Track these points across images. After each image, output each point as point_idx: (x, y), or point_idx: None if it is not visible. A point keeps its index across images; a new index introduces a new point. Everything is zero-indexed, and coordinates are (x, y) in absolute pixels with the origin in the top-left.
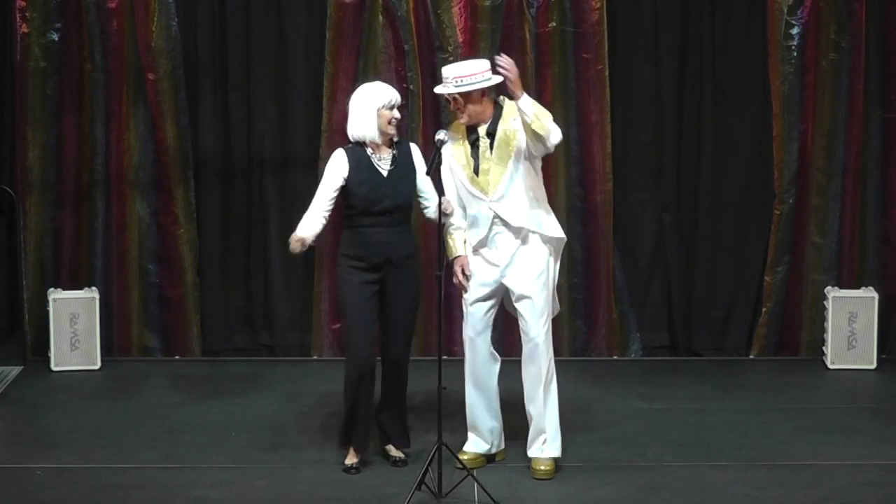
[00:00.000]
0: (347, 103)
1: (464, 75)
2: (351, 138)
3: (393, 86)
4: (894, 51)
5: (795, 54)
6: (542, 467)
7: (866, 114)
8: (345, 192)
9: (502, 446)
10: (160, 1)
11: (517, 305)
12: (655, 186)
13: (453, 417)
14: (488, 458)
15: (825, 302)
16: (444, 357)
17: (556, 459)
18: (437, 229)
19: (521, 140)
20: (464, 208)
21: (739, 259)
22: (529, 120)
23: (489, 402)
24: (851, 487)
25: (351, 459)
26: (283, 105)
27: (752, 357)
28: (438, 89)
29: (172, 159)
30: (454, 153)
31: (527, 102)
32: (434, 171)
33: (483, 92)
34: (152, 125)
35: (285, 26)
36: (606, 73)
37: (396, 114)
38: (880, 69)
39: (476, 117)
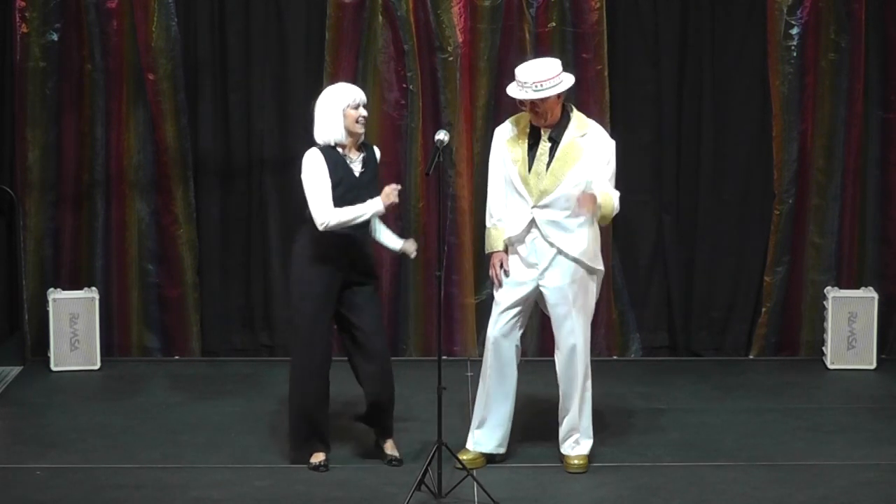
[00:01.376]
0: None
1: (543, 79)
2: (318, 142)
3: (393, 86)
4: (894, 51)
5: (795, 54)
6: (576, 461)
7: (866, 114)
8: None
9: (505, 448)
10: (160, 1)
11: (553, 309)
12: (655, 186)
13: (453, 417)
14: (489, 458)
15: (825, 302)
16: (444, 357)
17: (588, 455)
18: (437, 230)
19: (585, 162)
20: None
21: (739, 259)
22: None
23: (504, 403)
24: (851, 487)
25: (319, 458)
26: (283, 105)
27: (751, 357)
28: (517, 94)
29: (172, 159)
30: (510, 147)
31: (599, 210)
32: (434, 171)
33: (559, 95)
34: (152, 125)
35: (285, 26)
36: (606, 74)
37: (363, 112)
38: (880, 69)
39: (551, 120)
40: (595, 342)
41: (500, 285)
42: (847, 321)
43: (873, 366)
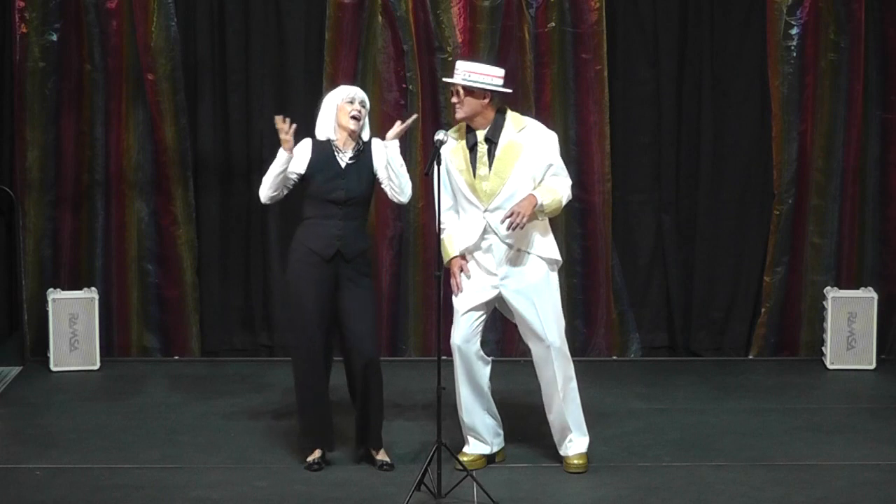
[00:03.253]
0: None
1: (474, 71)
2: (316, 136)
3: (392, 87)
4: (893, 51)
5: (795, 54)
6: (575, 461)
7: (865, 114)
8: (303, 181)
9: (502, 445)
10: (159, 1)
11: (520, 313)
12: (654, 187)
13: (452, 417)
14: (488, 459)
15: (824, 302)
16: (444, 357)
17: (586, 453)
18: (437, 230)
19: (526, 158)
20: (457, 211)
21: (738, 259)
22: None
23: (484, 403)
24: (851, 487)
25: (314, 456)
26: (282, 106)
27: (751, 357)
28: (447, 78)
29: (171, 160)
30: (452, 155)
31: (544, 209)
32: (433, 171)
33: (486, 95)
34: (151, 125)
35: (285, 27)
36: (605, 74)
37: (357, 107)
38: (879, 69)
39: (473, 118)
40: (595, 342)
41: (461, 290)
42: (846, 321)
43: (873, 366)
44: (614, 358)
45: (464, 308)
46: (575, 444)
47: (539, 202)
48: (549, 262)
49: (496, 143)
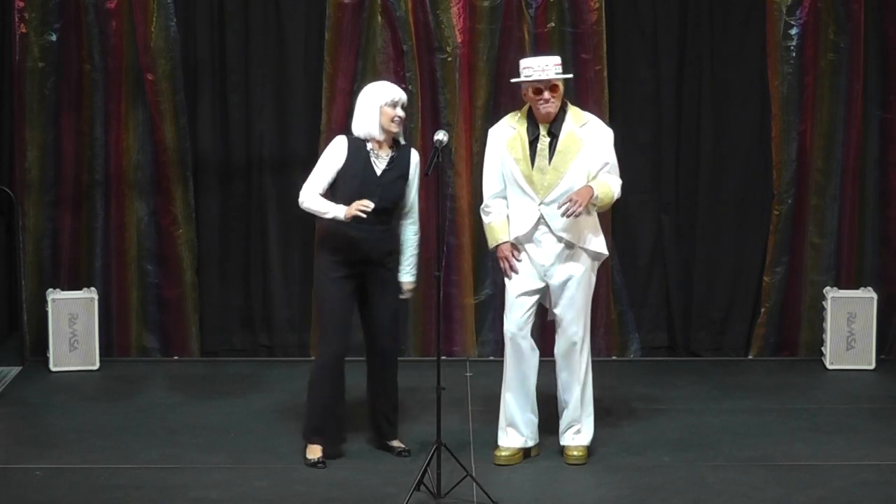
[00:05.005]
0: (346, 103)
1: (559, 64)
2: (353, 133)
3: None
4: (893, 51)
5: (794, 55)
6: (576, 452)
7: (865, 114)
8: (334, 182)
9: (537, 440)
10: (159, 1)
11: (558, 304)
12: (654, 187)
13: (452, 417)
14: (524, 453)
15: (824, 302)
16: (444, 357)
17: (588, 447)
18: (437, 230)
19: (585, 153)
20: (505, 197)
21: (738, 259)
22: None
23: (528, 397)
24: (850, 487)
25: (316, 454)
26: (282, 105)
27: (750, 357)
28: (538, 75)
29: (171, 160)
30: (510, 146)
31: (597, 202)
32: (434, 172)
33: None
34: (151, 126)
35: (284, 27)
36: (605, 74)
37: (400, 112)
38: (879, 70)
39: (554, 113)
40: (594, 342)
41: (516, 272)
42: (846, 321)
43: (872, 366)
44: (614, 358)
45: (518, 291)
46: (581, 434)
47: (595, 194)
48: (595, 255)
49: (557, 137)
